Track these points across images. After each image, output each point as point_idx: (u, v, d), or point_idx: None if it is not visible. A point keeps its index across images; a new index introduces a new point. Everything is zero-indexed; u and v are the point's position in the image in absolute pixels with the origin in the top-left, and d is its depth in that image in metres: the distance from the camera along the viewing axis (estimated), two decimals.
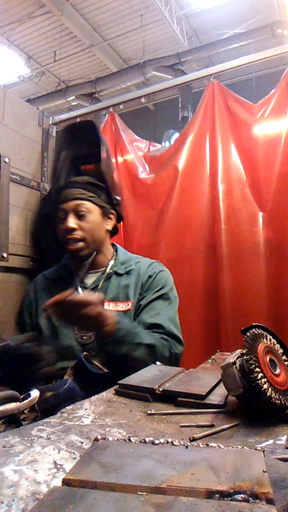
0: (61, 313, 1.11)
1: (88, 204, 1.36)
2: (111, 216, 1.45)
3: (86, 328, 1.22)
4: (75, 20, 7.43)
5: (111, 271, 1.41)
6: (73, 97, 8.48)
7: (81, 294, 1.16)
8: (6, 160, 1.68)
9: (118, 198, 1.44)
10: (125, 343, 1.15)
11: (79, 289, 1.32)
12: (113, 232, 1.51)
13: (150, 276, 1.38)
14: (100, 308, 1.13)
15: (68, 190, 1.37)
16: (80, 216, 1.35)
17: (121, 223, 2.23)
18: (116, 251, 1.51)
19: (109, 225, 1.44)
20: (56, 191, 1.42)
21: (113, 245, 1.54)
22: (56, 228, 1.41)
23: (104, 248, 1.45)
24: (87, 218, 1.35)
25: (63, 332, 1.32)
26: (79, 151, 1.53)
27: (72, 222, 1.33)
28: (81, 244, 1.35)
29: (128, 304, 1.33)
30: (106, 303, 1.32)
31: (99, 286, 1.38)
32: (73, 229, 1.34)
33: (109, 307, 1.32)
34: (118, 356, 1.15)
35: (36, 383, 1.11)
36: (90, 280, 1.41)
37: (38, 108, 2.02)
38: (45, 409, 0.84)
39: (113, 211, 1.45)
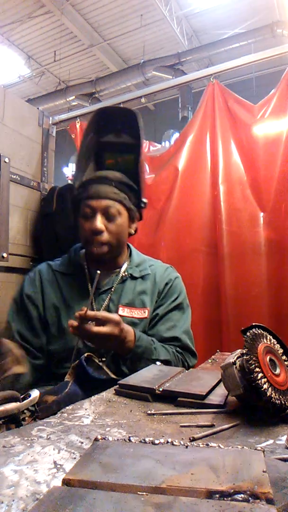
0: (83, 331, 1.07)
1: (119, 206, 1.25)
2: (137, 219, 1.37)
3: (107, 346, 1.17)
4: (75, 20, 7.43)
5: (125, 273, 1.34)
6: (73, 97, 8.49)
7: (102, 312, 1.12)
8: (6, 160, 1.68)
9: (145, 201, 1.34)
10: (143, 360, 1.15)
11: (91, 292, 1.24)
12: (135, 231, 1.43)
13: (166, 284, 1.36)
14: (122, 326, 1.11)
15: (100, 186, 1.24)
16: (109, 217, 1.24)
17: None
18: (130, 251, 1.43)
19: (133, 228, 1.35)
20: (83, 183, 1.28)
21: (128, 245, 1.46)
22: (77, 222, 1.30)
23: (125, 250, 1.39)
24: (116, 221, 1.25)
25: (71, 333, 1.20)
26: (112, 138, 1.38)
27: (100, 222, 1.23)
28: (105, 248, 1.26)
29: (144, 312, 1.29)
30: (120, 308, 1.27)
31: (113, 288, 1.31)
32: (101, 231, 1.24)
33: (124, 312, 1.26)
34: (134, 371, 1.13)
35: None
36: (102, 281, 1.32)
37: (38, 108, 2.02)
38: (47, 416, 0.82)
39: (138, 214, 1.37)
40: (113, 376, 1.07)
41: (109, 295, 1.29)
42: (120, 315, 1.19)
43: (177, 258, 2.08)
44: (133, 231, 1.35)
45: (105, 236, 1.24)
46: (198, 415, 0.73)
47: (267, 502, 0.38)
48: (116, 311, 1.26)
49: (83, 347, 1.20)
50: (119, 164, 1.32)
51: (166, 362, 1.18)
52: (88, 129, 1.38)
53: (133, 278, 1.34)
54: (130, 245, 1.45)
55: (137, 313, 1.28)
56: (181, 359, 1.26)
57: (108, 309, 1.27)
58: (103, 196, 1.23)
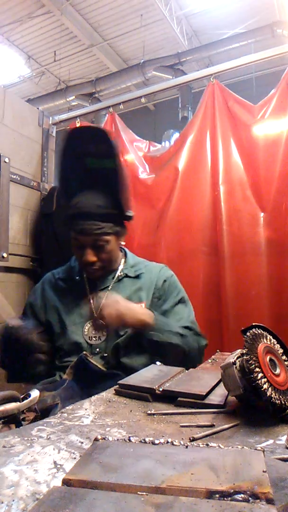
0: (110, 316, 1.19)
1: (105, 237, 1.31)
2: (125, 232, 1.41)
3: (134, 323, 1.25)
4: (75, 20, 7.42)
5: (122, 273, 1.42)
6: (73, 97, 8.48)
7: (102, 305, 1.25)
8: (6, 160, 1.68)
9: (131, 214, 1.37)
10: (165, 331, 1.25)
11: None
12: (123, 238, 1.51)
13: (165, 281, 1.43)
14: (121, 301, 1.24)
15: (84, 223, 1.29)
16: (98, 248, 1.32)
17: None
18: (125, 254, 1.50)
19: (123, 240, 1.42)
20: (70, 216, 1.33)
21: (121, 249, 1.50)
22: (72, 248, 1.39)
23: (117, 258, 1.44)
24: (106, 249, 1.33)
25: (72, 329, 1.33)
26: (88, 160, 1.38)
27: (91, 255, 1.32)
28: (99, 272, 1.37)
29: (142, 306, 1.35)
30: None
31: (110, 287, 1.38)
32: (92, 263, 1.33)
33: None
34: (160, 343, 1.24)
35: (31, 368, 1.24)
36: (98, 284, 1.40)
37: (38, 108, 2.02)
38: (42, 409, 0.85)
39: (125, 228, 1.41)
40: (103, 368, 1.20)
41: (106, 293, 1.36)
42: None
43: (177, 258, 2.08)
44: (123, 242, 1.44)
45: (97, 265, 1.34)
46: (198, 415, 0.73)
47: (267, 502, 0.38)
48: None
49: (85, 342, 1.31)
50: (99, 185, 1.32)
51: (183, 337, 1.28)
52: (62, 152, 1.39)
53: (128, 277, 1.42)
54: (125, 249, 1.52)
55: None
56: (196, 338, 1.34)
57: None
58: (89, 233, 1.30)
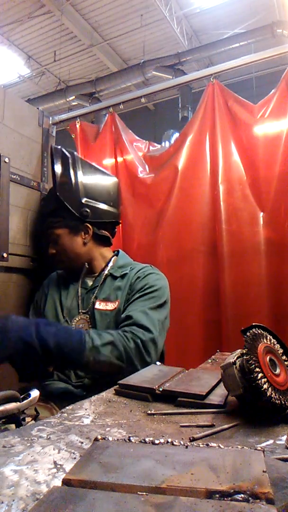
0: None
1: (57, 231, 1.49)
2: (84, 228, 1.49)
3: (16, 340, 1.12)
4: (75, 20, 7.42)
5: (108, 273, 1.49)
6: (73, 97, 8.48)
7: None
8: (6, 160, 1.68)
9: (87, 210, 1.47)
10: (70, 362, 1.16)
11: (79, 290, 1.49)
12: (103, 238, 1.55)
13: (138, 277, 1.42)
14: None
15: (43, 219, 1.56)
16: (54, 242, 1.50)
17: (121, 223, 2.24)
18: (117, 256, 1.57)
19: (86, 238, 1.50)
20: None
21: (117, 251, 1.61)
22: None
23: (96, 256, 1.53)
24: (59, 242, 1.49)
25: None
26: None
27: (51, 248, 1.52)
28: (60, 265, 1.55)
29: (115, 304, 1.39)
30: (97, 302, 1.42)
31: (97, 286, 1.46)
32: (52, 255, 1.51)
33: (100, 306, 1.41)
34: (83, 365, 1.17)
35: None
36: (89, 282, 1.52)
37: (38, 108, 2.02)
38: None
39: (87, 224, 1.49)
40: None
41: (95, 292, 1.45)
42: (96, 308, 1.39)
43: (176, 258, 2.08)
44: (87, 240, 1.51)
45: (57, 257, 1.51)
46: (198, 415, 0.73)
47: (267, 502, 0.38)
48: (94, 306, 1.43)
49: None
50: (55, 187, 1.51)
51: (112, 345, 1.15)
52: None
53: (113, 277, 1.47)
54: (120, 251, 1.60)
55: (110, 306, 1.40)
56: (126, 336, 1.20)
57: (93, 305, 1.42)
58: (45, 228, 1.53)
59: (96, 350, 1.13)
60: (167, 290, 1.42)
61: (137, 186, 2.33)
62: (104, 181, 1.62)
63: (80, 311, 1.43)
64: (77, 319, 1.42)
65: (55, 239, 1.50)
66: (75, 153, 1.58)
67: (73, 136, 2.51)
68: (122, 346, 1.16)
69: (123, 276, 1.45)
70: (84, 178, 1.51)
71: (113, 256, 1.56)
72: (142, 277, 1.42)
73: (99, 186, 1.57)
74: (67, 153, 1.54)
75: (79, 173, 1.51)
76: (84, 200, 1.48)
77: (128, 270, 1.47)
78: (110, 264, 1.52)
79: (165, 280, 1.46)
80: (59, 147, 1.59)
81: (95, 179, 1.58)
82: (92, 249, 1.52)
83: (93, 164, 1.67)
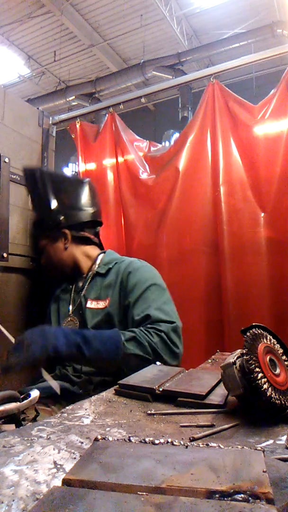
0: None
1: (41, 242, 1.59)
2: (62, 235, 1.54)
3: (42, 354, 1.14)
4: (75, 20, 7.43)
5: (94, 272, 1.52)
6: (73, 97, 8.48)
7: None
8: (6, 160, 1.68)
9: (60, 217, 1.53)
10: (95, 361, 1.18)
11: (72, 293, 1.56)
12: (84, 239, 1.58)
13: (129, 272, 1.42)
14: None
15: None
16: (42, 253, 1.61)
17: (123, 224, 2.25)
18: (105, 254, 1.59)
19: (66, 243, 1.55)
20: None
21: (105, 251, 1.63)
22: None
23: (79, 257, 1.57)
24: (45, 252, 1.59)
25: (55, 325, 1.51)
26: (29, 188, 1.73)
27: (41, 260, 1.62)
28: (52, 273, 1.62)
29: (106, 302, 1.41)
30: (89, 301, 1.44)
31: (85, 287, 1.50)
32: (44, 265, 1.62)
33: (92, 305, 1.43)
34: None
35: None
36: (80, 284, 1.56)
37: (38, 108, 2.02)
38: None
39: (63, 230, 1.54)
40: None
41: (83, 292, 1.49)
42: (88, 307, 1.43)
43: (178, 259, 2.08)
44: (67, 245, 1.56)
45: (48, 267, 1.60)
46: (198, 415, 0.73)
47: (267, 502, 0.38)
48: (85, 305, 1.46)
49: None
50: (39, 201, 1.62)
51: (134, 340, 1.19)
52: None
53: (99, 275, 1.49)
54: (109, 251, 1.62)
55: (101, 304, 1.42)
56: (150, 332, 1.22)
57: (80, 306, 1.46)
58: (33, 244, 1.73)
59: (123, 346, 1.18)
60: (159, 274, 1.48)
61: (138, 187, 2.32)
62: (73, 185, 1.65)
63: (69, 313, 1.50)
64: (67, 320, 1.48)
65: (41, 251, 1.60)
66: (43, 168, 1.73)
67: (73, 136, 2.51)
68: (146, 341, 1.20)
69: (108, 272, 1.47)
70: (52, 189, 1.56)
71: (100, 254, 1.58)
72: (133, 271, 1.42)
73: (69, 192, 1.61)
74: (33, 170, 1.64)
75: (48, 185, 1.56)
76: (55, 208, 1.54)
77: (112, 265, 1.48)
78: (98, 262, 1.54)
79: (152, 267, 1.51)
80: (27, 166, 1.72)
81: (64, 186, 1.62)
82: (74, 251, 1.56)
83: (62, 173, 1.76)
